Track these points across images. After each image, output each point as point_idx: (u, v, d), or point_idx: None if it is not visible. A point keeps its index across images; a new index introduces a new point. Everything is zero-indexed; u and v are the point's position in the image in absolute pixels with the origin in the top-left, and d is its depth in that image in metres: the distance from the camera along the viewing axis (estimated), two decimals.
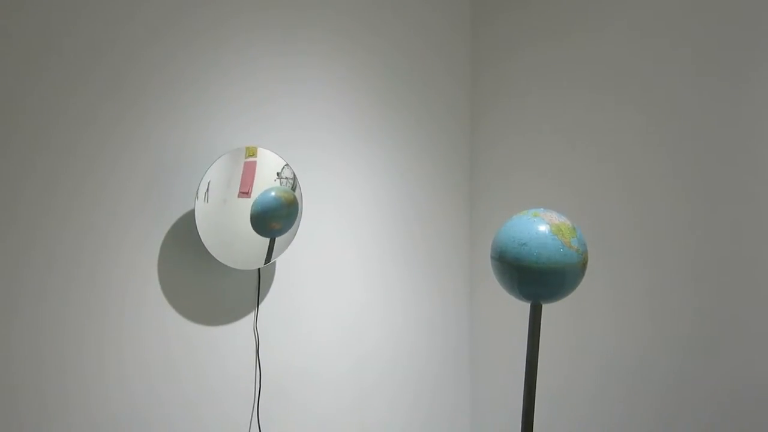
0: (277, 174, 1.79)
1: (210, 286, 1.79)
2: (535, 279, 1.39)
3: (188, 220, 1.71)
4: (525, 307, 2.14)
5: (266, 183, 1.76)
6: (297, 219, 1.81)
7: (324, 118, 1.99)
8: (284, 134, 1.90)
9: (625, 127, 1.93)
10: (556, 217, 1.42)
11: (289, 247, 1.84)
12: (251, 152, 1.76)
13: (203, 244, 1.66)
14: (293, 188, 1.80)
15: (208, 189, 1.67)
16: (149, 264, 1.68)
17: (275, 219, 1.77)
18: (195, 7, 1.73)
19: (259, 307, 1.87)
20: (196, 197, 1.65)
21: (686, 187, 1.81)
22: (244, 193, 1.73)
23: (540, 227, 1.39)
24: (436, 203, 2.30)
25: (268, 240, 1.77)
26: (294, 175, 1.81)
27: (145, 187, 1.67)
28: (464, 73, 2.36)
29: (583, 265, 1.41)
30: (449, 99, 2.31)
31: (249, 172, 1.75)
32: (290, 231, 1.81)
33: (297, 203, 1.80)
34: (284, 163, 1.79)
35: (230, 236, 1.72)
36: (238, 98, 1.82)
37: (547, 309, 2.02)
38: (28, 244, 1.52)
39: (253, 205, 1.73)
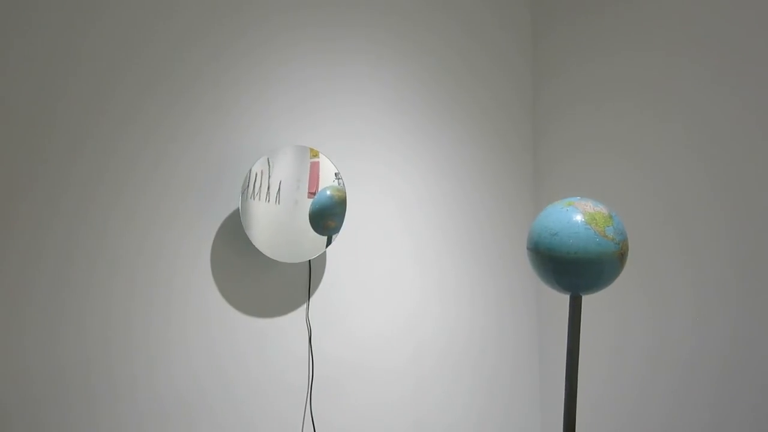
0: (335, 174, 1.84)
1: (261, 278, 1.84)
2: (570, 270, 1.34)
3: (236, 217, 1.77)
4: (589, 300, 2.08)
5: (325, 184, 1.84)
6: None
7: (376, 115, 2.01)
8: (333, 131, 1.94)
9: (684, 141, 1.88)
10: (591, 206, 1.36)
11: (339, 238, 1.87)
12: (314, 153, 1.82)
13: (250, 240, 1.72)
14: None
15: (251, 186, 1.73)
16: (200, 259, 1.75)
17: (330, 217, 1.82)
18: (239, 6, 1.78)
19: (311, 299, 1.92)
20: (244, 195, 1.71)
21: (733, 186, 1.74)
22: (311, 193, 1.80)
23: (574, 216, 1.34)
24: (496, 201, 2.27)
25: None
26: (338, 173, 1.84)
27: (191, 183, 1.73)
28: (525, 84, 2.34)
29: (621, 255, 1.34)
30: (510, 108, 2.31)
31: (314, 172, 1.82)
32: None
33: (346, 200, 1.84)
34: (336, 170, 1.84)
35: (282, 231, 1.77)
36: (285, 96, 1.86)
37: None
38: (73, 240, 1.59)
39: (311, 205, 1.79)
